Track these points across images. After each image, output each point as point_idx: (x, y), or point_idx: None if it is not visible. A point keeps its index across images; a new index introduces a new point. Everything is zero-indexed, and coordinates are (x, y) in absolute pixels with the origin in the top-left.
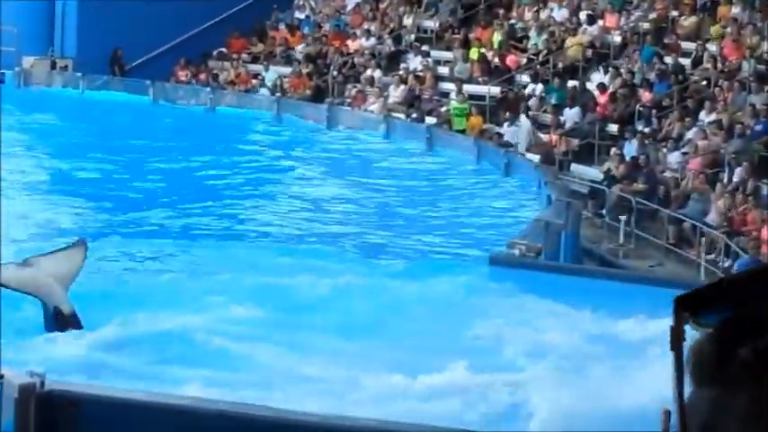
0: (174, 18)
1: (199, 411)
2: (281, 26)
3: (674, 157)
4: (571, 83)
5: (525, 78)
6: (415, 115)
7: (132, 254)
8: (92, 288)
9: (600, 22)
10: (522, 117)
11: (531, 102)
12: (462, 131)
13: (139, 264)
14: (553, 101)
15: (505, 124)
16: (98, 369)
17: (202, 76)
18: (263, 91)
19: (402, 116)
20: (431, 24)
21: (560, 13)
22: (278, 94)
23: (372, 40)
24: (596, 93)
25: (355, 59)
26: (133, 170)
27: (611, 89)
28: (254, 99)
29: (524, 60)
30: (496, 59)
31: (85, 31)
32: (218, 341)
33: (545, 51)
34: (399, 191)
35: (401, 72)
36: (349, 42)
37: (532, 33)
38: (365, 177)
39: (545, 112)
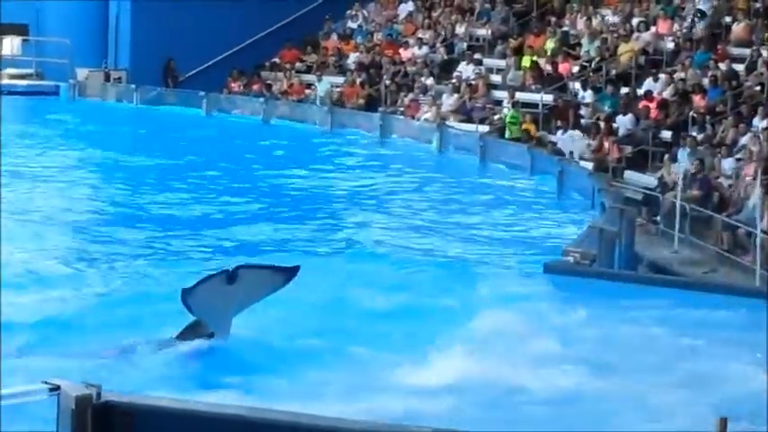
0: (227, 29)
1: (256, 421)
2: (334, 36)
3: (728, 164)
4: (624, 89)
5: (578, 86)
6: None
7: None
8: None
9: (653, 29)
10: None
11: (584, 110)
12: (516, 139)
13: None
14: (606, 108)
15: (559, 132)
16: None
17: (255, 87)
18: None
19: (455, 124)
20: (483, 32)
21: (613, 20)
22: (328, 104)
23: (425, 49)
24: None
25: (408, 68)
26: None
27: (663, 95)
28: (308, 109)
29: (577, 68)
30: (549, 67)
31: (139, 43)
32: None
33: (598, 58)
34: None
35: (454, 80)
36: (402, 51)
37: (585, 40)
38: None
39: (598, 119)
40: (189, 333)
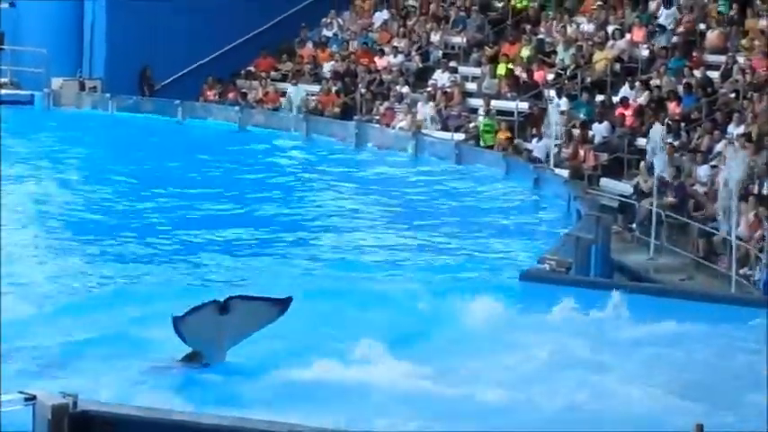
0: (202, 37)
1: (235, 430)
2: (309, 44)
3: (703, 170)
4: (599, 97)
5: (553, 93)
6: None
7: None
8: None
9: (628, 36)
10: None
11: (559, 117)
12: (491, 147)
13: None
14: (581, 116)
15: (534, 140)
16: None
17: (231, 95)
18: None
19: (431, 132)
20: (458, 40)
21: (588, 28)
22: (303, 112)
23: (400, 57)
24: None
25: (383, 76)
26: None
27: (639, 102)
28: (283, 118)
29: (552, 75)
30: (524, 75)
31: (114, 52)
32: None
33: (573, 66)
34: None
35: (429, 89)
36: (377, 59)
37: (560, 48)
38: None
39: (573, 127)
40: (187, 359)
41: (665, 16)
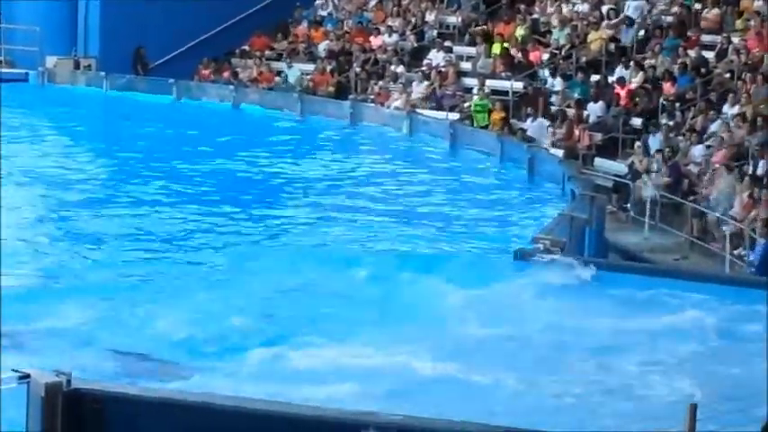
0: (197, 16)
1: (223, 408)
2: (304, 23)
3: (698, 150)
4: (594, 77)
5: (548, 73)
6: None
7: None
8: None
9: (622, 16)
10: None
11: (554, 97)
12: (485, 127)
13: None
14: (576, 95)
15: (528, 120)
16: None
17: (225, 74)
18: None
19: (425, 112)
20: (453, 20)
21: (583, 8)
22: (298, 91)
23: (395, 37)
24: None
25: (378, 56)
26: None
27: (633, 83)
28: (278, 96)
29: (547, 55)
30: (519, 54)
31: (108, 31)
32: None
33: (568, 46)
34: (424, 188)
35: (424, 68)
36: (372, 39)
37: (555, 28)
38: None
39: (568, 106)
40: None
41: (632, 9)
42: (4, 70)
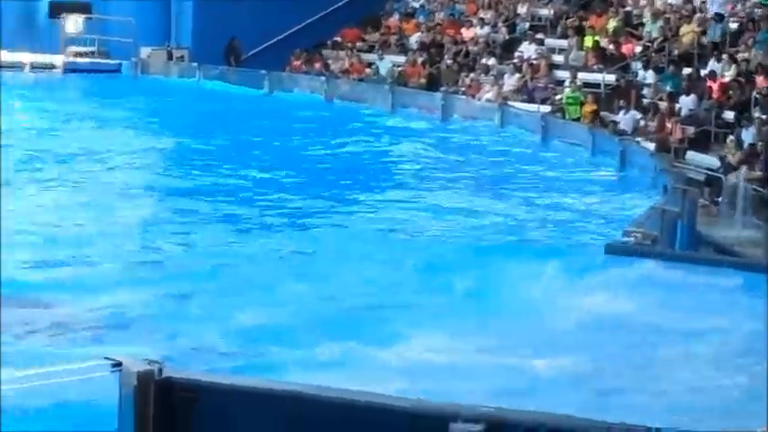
0: (289, 8)
1: (316, 398)
2: (395, 15)
3: None
4: (687, 70)
5: (640, 66)
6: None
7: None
8: None
9: (707, 14)
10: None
11: (646, 90)
12: (576, 120)
13: None
14: (668, 88)
15: (621, 112)
16: None
17: (317, 65)
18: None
19: (517, 104)
20: (545, 12)
21: (675, 0)
22: (389, 83)
23: (487, 29)
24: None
25: (470, 48)
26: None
27: (726, 77)
28: (369, 88)
29: (639, 48)
30: (611, 47)
31: (201, 23)
32: None
33: (660, 39)
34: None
35: (516, 60)
36: (464, 31)
37: (647, 21)
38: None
39: (660, 99)
40: None
41: (717, 5)
42: (98, 60)
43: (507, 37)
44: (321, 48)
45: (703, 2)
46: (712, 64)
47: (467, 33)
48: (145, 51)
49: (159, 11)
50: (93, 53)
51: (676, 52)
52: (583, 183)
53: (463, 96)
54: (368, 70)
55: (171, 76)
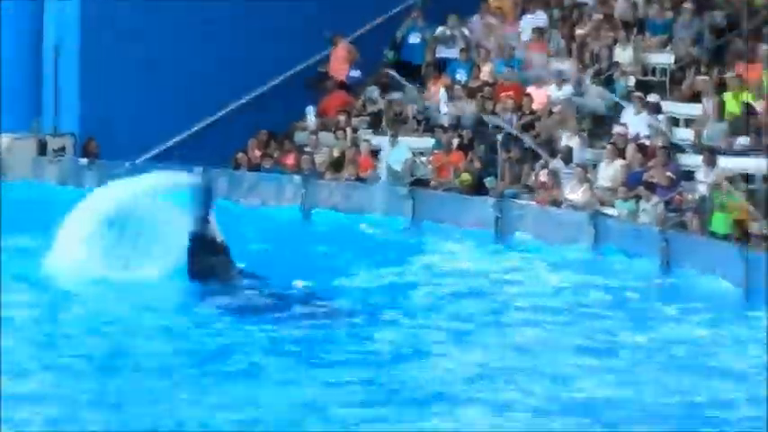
0: (233, 65)
1: None
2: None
3: None
4: None
5: None
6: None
7: None
8: None
9: None
10: None
11: None
12: (724, 237)
13: None
14: None
15: None
16: None
17: (289, 161)
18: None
19: (616, 212)
20: (663, 59)
21: None
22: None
23: (567, 88)
24: None
25: (542, 119)
26: None
27: None
28: (372, 193)
29: None
30: None
31: (93, 92)
32: None
33: None
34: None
35: (614, 139)
36: (531, 92)
37: None
38: None
39: None
40: None
41: None
42: None
43: (600, 102)
44: (294, 128)
45: None
46: None
47: (536, 96)
48: (3, 141)
49: (25, 75)
50: None
51: None
52: (737, 341)
53: (530, 202)
54: (376, 162)
55: (45, 181)
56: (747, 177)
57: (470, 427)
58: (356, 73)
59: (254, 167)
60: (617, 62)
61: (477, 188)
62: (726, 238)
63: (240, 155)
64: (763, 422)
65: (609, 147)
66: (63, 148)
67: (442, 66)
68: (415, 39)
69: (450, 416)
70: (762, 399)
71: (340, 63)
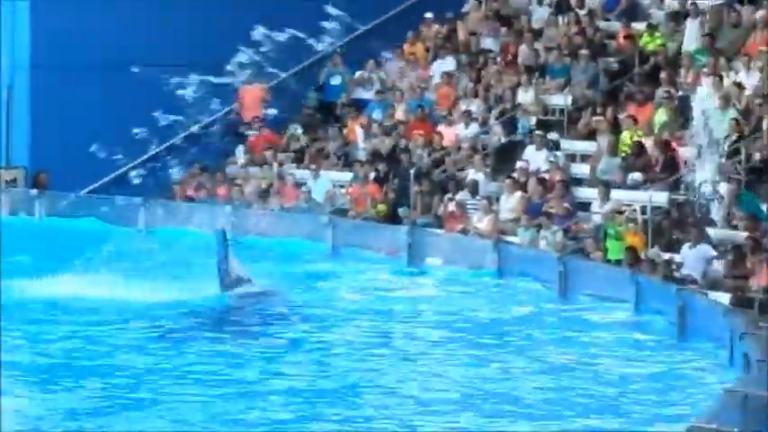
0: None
1: None
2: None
3: None
4: None
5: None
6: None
7: None
8: None
9: None
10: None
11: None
12: (617, 262)
13: None
14: (747, 210)
15: (685, 246)
16: None
17: (221, 191)
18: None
19: (518, 239)
20: (560, 100)
21: (751, 81)
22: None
23: (474, 127)
24: None
25: (451, 155)
26: None
27: None
28: (297, 221)
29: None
30: (659, 150)
31: (43, 127)
32: None
33: (734, 137)
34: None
35: (516, 174)
36: (440, 130)
37: (712, 107)
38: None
39: (735, 227)
40: None
41: None
42: None
43: (503, 139)
44: (226, 162)
45: None
46: None
47: (445, 134)
48: None
49: None
50: None
51: (757, 156)
52: (625, 355)
53: (439, 231)
54: (300, 193)
55: None
56: (643, 209)
57: None
58: (273, 111)
59: (189, 198)
60: (519, 103)
61: (392, 217)
62: (618, 263)
63: (176, 187)
64: None
65: (508, 180)
66: (15, 180)
67: (360, 106)
68: (336, 81)
69: None
70: None
71: (256, 104)
